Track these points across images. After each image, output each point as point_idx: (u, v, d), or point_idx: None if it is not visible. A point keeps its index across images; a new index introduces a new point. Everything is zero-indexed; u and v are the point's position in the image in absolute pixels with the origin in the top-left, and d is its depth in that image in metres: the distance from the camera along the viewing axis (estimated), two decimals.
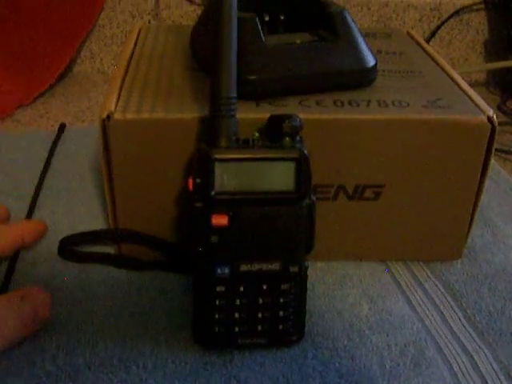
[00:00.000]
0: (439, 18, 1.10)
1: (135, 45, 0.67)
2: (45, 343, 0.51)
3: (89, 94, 1.02)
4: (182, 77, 0.59)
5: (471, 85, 0.60)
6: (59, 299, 0.55)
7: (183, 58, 0.64)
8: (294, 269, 0.48)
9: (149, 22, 1.08)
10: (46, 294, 0.51)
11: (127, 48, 0.65)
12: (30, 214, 0.67)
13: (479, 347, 0.53)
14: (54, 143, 0.81)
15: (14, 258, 0.58)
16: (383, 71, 0.61)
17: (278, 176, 0.46)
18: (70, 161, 0.78)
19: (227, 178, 0.46)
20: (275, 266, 0.48)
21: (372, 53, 0.58)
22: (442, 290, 0.59)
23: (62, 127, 0.85)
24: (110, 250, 0.61)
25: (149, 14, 1.07)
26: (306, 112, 0.53)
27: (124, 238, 0.59)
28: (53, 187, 0.72)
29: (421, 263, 0.62)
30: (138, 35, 0.70)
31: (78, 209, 0.68)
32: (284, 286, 0.49)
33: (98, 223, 0.65)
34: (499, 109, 1.01)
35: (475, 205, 0.58)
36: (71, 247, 0.60)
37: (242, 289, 0.48)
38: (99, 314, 0.54)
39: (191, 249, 0.48)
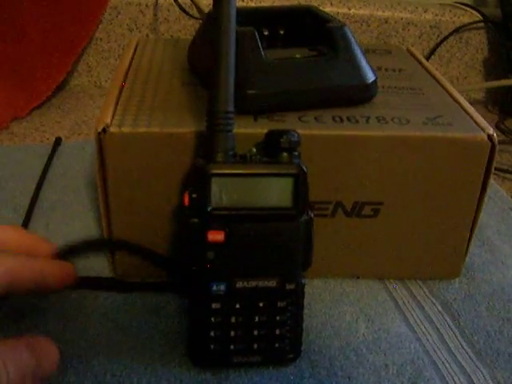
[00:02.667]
0: (439, 35, 1.10)
1: (132, 58, 0.66)
2: None
3: (85, 107, 1.02)
4: (179, 91, 0.59)
5: (470, 103, 0.60)
6: (52, 316, 0.54)
7: (181, 71, 0.63)
8: (290, 286, 0.48)
9: (147, 36, 1.08)
10: (55, 347, 0.44)
11: (124, 61, 0.65)
12: (25, 226, 0.66)
13: (477, 367, 0.52)
14: (50, 156, 0.81)
15: None
16: (383, 87, 0.61)
17: (276, 192, 0.46)
18: (66, 174, 0.78)
19: (224, 193, 0.45)
20: (272, 283, 0.47)
21: (372, 69, 0.58)
22: (440, 309, 0.59)
23: (57, 140, 0.85)
24: (102, 261, 0.61)
25: (147, 27, 1.07)
26: (305, 128, 0.52)
27: (117, 247, 0.59)
28: (48, 200, 0.71)
29: (419, 282, 0.62)
30: (136, 48, 0.70)
31: (72, 222, 0.68)
32: (280, 304, 0.48)
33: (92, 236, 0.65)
34: (498, 127, 1.01)
35: (474, 223, 0.58)
36: None
37: (238, 306, 0.48)
38: (92, 330, 0.53)
39: (187, 265, 0.47)
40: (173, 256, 0.58)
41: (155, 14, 1.06)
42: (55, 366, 0.44)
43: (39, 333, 0.52)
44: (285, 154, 0.46)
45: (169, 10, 1.06)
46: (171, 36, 1.08)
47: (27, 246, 0.50)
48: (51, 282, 0.48)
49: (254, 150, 0.47)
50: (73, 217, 0.68)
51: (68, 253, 0.55)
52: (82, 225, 0.67)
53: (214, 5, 0.45)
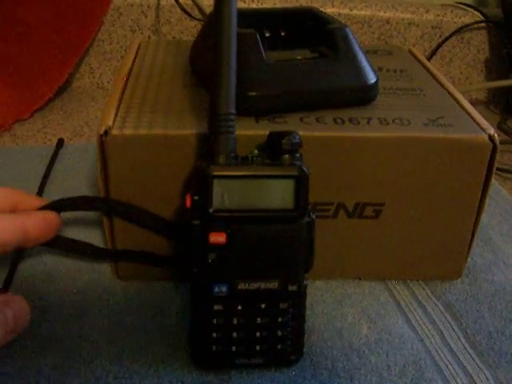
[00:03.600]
0: (440, 36, 1.10)
1: (134, 60, 0.67)
2: (40, 363, 0.50)
3: (87, 109, 1.02)
4: (180, 93, 0.59)
5: (472, 103, 0.60)
6: (55, 317, 0.55)
7: (182, 73, 0.64)
8: (292, 287, 0.48)
9: (149, 38, 1.08)
10: (26, 304, 0.49)
11: (126, 63, 0.65)
12: None
13: (479, 368, 0.52)
14: (52, 158, 0.81)
15: (16, 257, 0.58)
16: (384, 89, 0.61)
17: (277, 194, 0.46)
18: (68, 176, 0.78)
19: (225, 195, 0.45)
20: (274, 285, 0.48)
21: (373, 70, 0.58)
22: (442, 310, 0.59)
23: (60, 142, 0.85)
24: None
25: (149, 29, 1.07)
26: (307, 129, 0.52)
27: (121, 256, 0.59)
28: None
29: (421, 282, 0.62)
30: (138, 50, 0.70)
31: (75, 224, 0.67)
32: (282, 305, 0.48)
33: (95, 239, 0.64)
34: (499, 127, 1.01)
35: (476, 224, 0.58)
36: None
37: (239, 307, 0.48)
38: (95, 332, 0.53)
39: (188, 267, 0.47)
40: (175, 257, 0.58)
41: (157, 16, 1.06)
42: (27, 321, 0.49)
43: (41, 333, 0.52)
44: (286, 156, 0.46)
45: (171, 12, 1.06)
46: (173, 37, 1.08)
47: (13, 202, 0.53)
48: (34, 235, 0.51)
49: (256, 151, 0.47)
50: (75, 219, 0.68)
51: (58, 207, 0.55)
52: (84, 227, 0.67)
53: (214, 6, 0.45)
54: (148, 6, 1.05)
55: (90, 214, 0.68)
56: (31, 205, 0.54)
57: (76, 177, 0.77)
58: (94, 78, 1.12)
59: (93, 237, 0.64)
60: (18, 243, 0.49)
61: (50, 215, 0.53)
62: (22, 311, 0.49)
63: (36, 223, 0.51)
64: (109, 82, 1.12)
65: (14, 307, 0.48)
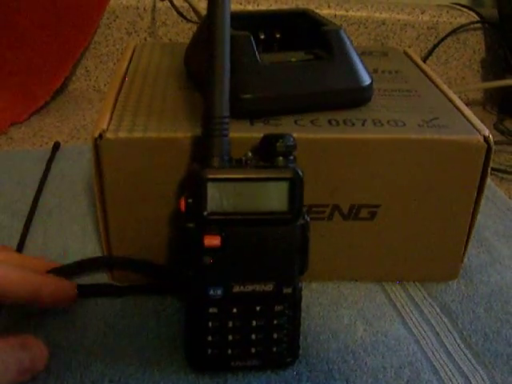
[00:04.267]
0: (436, 36, 1.11)
1: (129, 63, 0.66)
2: None
3: (84, 111, 1.02)
4: (175, 96, 0.59)
5: (468, 104, 0.60)
6: (50, 321, 0.55)
7: (178, 76, 0.63)
8: (287, 290, 0.48)
9: (145, 40, 1.08)
10: (44, 346, 0.49)
11: (121, 66, 0.65)
12: (24, 232, 0.66)
13: (475, 369, 0.52)
14: (49, 161, 0.81)
15: None
16: (379, 90, 0.61)
17: (272, 196, 0.46)
18: (65, 179, 0.78)
19: (220, 198, 0.45)
20: (268, 288, 0.48)
21: (368, 72, 0.58)
22: (438, 311, 0.59)
23: (56, 145, 0.85)
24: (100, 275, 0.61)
25: (145, 31, 1.07)
26: (301, 131, 0.52)
27: (115, 264, 0.59)
28: (46, 205, 0.71)
29: (417, 284, 0.62)
30: (133, 53, 0.70)
31: (71, 227, 0.68)
32: (277, 308, 0.48)
33: (91, 242, 0.65)
34: (496, 128, 1.01)
35: (471, 225, 0.58)
36: None
37: (235, 310, 0.48)
38: (90, 335, 0.53)
39: (183, 270, 0.47)
40: (170, 263, 0.58)
41: (153, 18, 1.06)
42: (45, 364, 0.48)
43: (37, 338, 0.52)
44: (280, 159, 0.46)
45: (167, 14, 1.06)
46: (169, 39, 1.08)
47: (26, 264, 0.52)
48: (47, 296, 0.50)
49: (250, 154, 0.47)
50: (71, 222, 0.68)
51: (66, 271, 0.56)
52: (80, 230, 0.67)
53: (208, 9, 0.45)
54: (144, 9, 1.06)
55: (87, 225, 0.68)
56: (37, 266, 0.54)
57: (73, 179, 0.77)
58: (90, 80, 1.12)
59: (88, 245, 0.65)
60: (28, 296, 0.48)
61: (67, 283, 0.54)
62: (39, 354, 0.48)
63: (51, 285, 0.51)
64: (105, 84, 1.12)
65: (31, 350, 0.48)
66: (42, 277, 0.51)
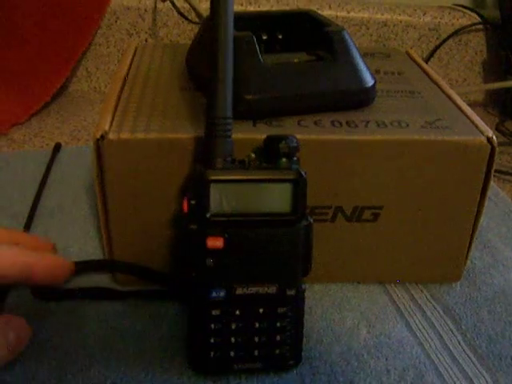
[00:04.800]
0: (438, 38, 1.10)
1: (131, 64, 0.66)
2: (36, 369, 0.50)
3: (85, 112, 1.02)
4: (177, 96, 0.59)
5: (470, 105, 0.60)
6: (51, 324, 0.54)
7: (179, 77, 0.63)
8: (290, 292, 0.48)
9: (146, 41, 1.08)
10: (27, 325, 0.48)
11: (122, 67, 0.65)
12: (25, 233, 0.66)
13: (479, 371, 0.52)
14: (49, 162, 0.80)
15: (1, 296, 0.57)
16: (382, 91, 0.61)
17: (275, 198, 0.45)
18: (65, 180, 0.77)
19: (223, 199, 0.45)
20: (271, 290, 0.47)
21: (371, 73, 0.58)
22: (442, 313, 0.58)
23: (57, 146, 0.85)
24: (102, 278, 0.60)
25: (146, 32, 1.07)
26: (304, 132, 0.52)
27: (117, 269, 0.59)
28: (47, 207, 0.71)
29: (420, 286, 0.62)
30: (134, 54, 0.69)
31: (72, 228, 0.67)
32: (281, 310, 0.48)
33: (92, 243, 0.64)
34: (497, 129, 1.01)
35: (474, 226, 0.58)
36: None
37: (237, 312, 0.48)
38: (92, 338, 0.53)
39: (186, 272, 0.47)
40: (172, 267, 0.58)
41: (154, 19, 1.06)
42: (27, 341, 0.48)
43: (38, 340, 0.52)
44: (284, 160, 0.46)
45: (168, 15, 1.06)
46: (170, 40, 1.08)
47: (15, 241, 0.51)
48: (40, 271, 0.48)
49: (253, 155, 0.47)
50: (72, 223, 0.68)
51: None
52: (81, 231, 0.67)
53: (210, 9, 0.45)
54: (145, 10, 1.05)
55: (88, 226, 0.68)
56: (35, 246, 0.53)
57: (73, 181, 0.77)
58: (91, 81, 1.12)
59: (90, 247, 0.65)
60: (19, 279, 0.47)
61: (60, 261, 0.52)
62: (23, 331, 0.48)
63: (43, 261, 0.49)
64: (106, 85, 1.12)
65: (15, 328, 0.48)
66: (33, 253, 0.49)
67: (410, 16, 1.09)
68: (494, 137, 0.53)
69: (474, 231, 0.58)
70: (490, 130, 0.54)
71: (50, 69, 1.02)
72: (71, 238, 0.66)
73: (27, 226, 0.67)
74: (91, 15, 1.04)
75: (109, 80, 1.11)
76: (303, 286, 0.49)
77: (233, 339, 0.48)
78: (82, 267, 0.58)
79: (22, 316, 0.49)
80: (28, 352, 0.51)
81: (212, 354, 0.48)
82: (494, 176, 0.84)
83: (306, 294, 0.49)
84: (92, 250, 0.64)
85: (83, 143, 0.90)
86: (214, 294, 0.47)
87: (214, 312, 0.47)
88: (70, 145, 0.89)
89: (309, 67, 0.56)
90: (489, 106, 1.16)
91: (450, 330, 0.56)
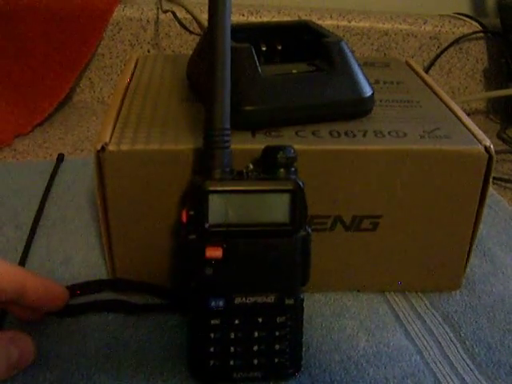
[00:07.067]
0: (439, 46, 1.11)
1: (132, 75, 0.67)
2: (38, 378, 0.50)
3: (88, 123, 1.02)
4: (178, 108, 0.59)
5: (471, 113, 0.60)
6: (54, 332, 0.55)
7: (180, 88, 0.64)
8: (289, 301, 0.48)
9: (148, 52, 1.08)
10: (31, 341, 0.50)
11: (124, 78, 0.65)
12: (28, 243, 0.66)
13: (478, 379, 0.52)
14: (53, 173, 0.81)
15: None
16: (380, 101, 0.61)
17: (273, 208, 0.46)
18: (69, 191, 0.78)
19: (221, 209, 0.45)
20: (270, 299, 0.48)
21: (369, 83, 0.58)
22: (441, 321, 0.58)
23: (60, 157, 0.85)
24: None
25: (148, 43, 1.08)
26: (302, 143, 0.52)
27: (118, 287, 0.60)
28: (50, 217, 0.72)
29: (419, 294, 0.62)
30: (136, 65, 0.70)
31: (74, 238, 0.68)
32: (280, 319, 0.48)
33: (94, 254, 0.65)
34: (499, 137, 1.01)
35: (473, 235, 0.58)
36: None
37: (236, 322, 0.48)
38: (93, 346, 0.53)
39: (185, 282, 0.48)
40: (172, 277, 0.58)
41: (156, 30, 1.07)
42: (31, 359, 0.49)
43: (40, 349, 0.52)
44: (281, 170, 0.46)
45: (170, 26, 1.06)
46: (172, 51, 1.09)
47: (22, 282, 0.50)
48: (32, 292, 0.49)
49: (251, 166, 0.47)
50: (75, 234, 0.69)
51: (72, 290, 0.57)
52: (84, 241, 0.67)
53: (208, 21, 0.45)
54: (147, 21, 1.06)
55: (91, 237, 0.68)
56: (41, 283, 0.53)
57: (76, 192, 0.78)
58: (94, 92, 1.12)
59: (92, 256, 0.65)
60: (13, 295, 0.48)
61: (55, 286, 0.53)
62: (27, 349, 0.49)
63: (36, 286, 0.50)
64: (109, 96, 1.12)
65: (19, 345, 0.48)
66: (27, 272, 0.50)
67: (411, 25, 1.09)
68: (492, 146, 0.54)
69: (472, 239, 0.58)
70: (487, 139, 0.55)
71: (53, 80, 1.02)
72: (74, 248, 0.66)
73: (31, 237, 0.67)
74: (94, 26, 1.04)
75: (112, 90, 1.12)
76: (302, 296, 0.49)
77: (232, 348, 0.48)
78: (83, 290, 0.59)
79: (25, 332, 0.49)
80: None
81: (211, 362, 0.49)
82: (495, 184, 0.84)
83: (305, 303, 0.49)
84: (94, 259, 0.64)
85: (86, 154, 0.91)
86: (213, 304, 0.47)
87: (214, 321, 0.48)
88: (73, 155, 0.90)
89: (307, 78, 0.56)
90: (490, 114, 1.16)
91: (449, 338, 0.57)
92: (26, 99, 1.01)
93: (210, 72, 0.46)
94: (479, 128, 0.57)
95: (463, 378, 0.52)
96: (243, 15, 1.07)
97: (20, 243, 0.66)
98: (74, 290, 0.58)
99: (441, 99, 0.64)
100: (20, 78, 1.02)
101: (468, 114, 0.60)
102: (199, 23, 1.04)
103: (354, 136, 0.54)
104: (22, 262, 0.63)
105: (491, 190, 0.55)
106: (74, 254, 0.65)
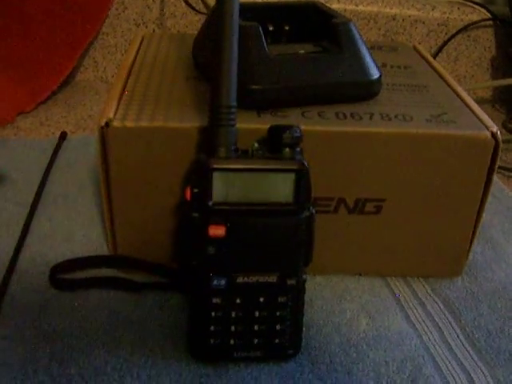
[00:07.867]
0: (446, 33, 1.10)
1: (137, 53, 0.66)
2: (38, 353, 0.50)
3: (91, 102, 1.02)
4: (183, 86, 0.59)
5: (477, 101, 0.60)
6: (54, 309, 0.55)
7: (185, 66, 0.63)
8: (291, 281, 0.48)
9: (153, 31, 1.08)
10: None
11: (129, 56, 0.65)
12: (28, 220, 0.66)
13: (477, 365, 0.52)
14: (55, 151, 0.81)
15: (4, 280, 0.57)
16: (387, 85, 0.61)
17: (277, 187, 0.46)
18: (71, 169, 0.78)
19: (225, 188, 0.45)
20: (272, 279, 0.48)
21: (377, 65, 0.58)
22: (442, 307, 0.58)
23: (63, 135, 0.85)
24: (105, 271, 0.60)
25: (153, 22, 1.07)
26: (308, 123, 0.52)
27: (120, 264, 0.60)
28: (52, 194, 0.72)
29: (421, 279, 0.62)
30: (141, 43, 0.70)
31: (76, 216, 0.68)
32: (281, 299, 0.48)
33: (96, 230, 0.65)
34: (504, 126, 1.01)
35: (477, 221, 0.58)
36: (63, 275, 0.58)
37: (238, 301, 0.48)
38: (94, 323, 0.53)
39: (187, 260, 0.47)
40: (174, 255, 0.58)
41: (162, 9, 1.06)
42: None
43: (41, 324, 0.52)
44: (287, 150, 0.46)
45: (175, 5, 1.06)
46: (178, 31, 1.08)
47: None
48: None
49: (257, 145, 0.47)
50: (76, 210, 0.68)
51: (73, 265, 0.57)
52: (85, 218, 0.67)
53: None
54: (153, 0, 1.05)
55: (93, 214, 0.68)
56: None
57: (79, 169, 0.77)
58: (97, 71, 1.12)
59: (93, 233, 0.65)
60: None
61: None
62: None
63: None
64: (113, 75, 1.12)
65: None
66: None
67: (419, 11, 1.09)
68: (499, 132, 0.53)
69: (476, 226, 0.58)
70: (494, 125, 0.54)
71: (57, 58, 1.02)
72: (75, 225, 0.66)
73: (31, 212, 0.67)
74: (99, 4, 1.04)
75: (115, 70, 1.11)
76: (304, 276, 0.49)
77: (233, 327, 0.48)
78: (84, 264, 0.59)
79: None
80: (31, 336, 0.51)
81: (212, 341, 0.49)
82: (499, 173, 0.84)
83: (307, 285, 0.49)
84: (96, 236, 0.64)
85: (89, 132, 0.90)
86: (214, 282, 0.47)
87: (215, 300, 0.48)
88: (76, 134, 0.89)
89: (314, 58, 0.56)
90: (496, 103, 1.16)
91: (450, 323, 0.57)
92: (30, 77, 1.00)
93: (217, 49, 0.45)
94: None
95: (462, 363, 0.52)
96: None
97: (21, 219, 0.66)
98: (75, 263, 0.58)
99: (448, 84, 0.63)
100: (23, 56, 1.02)
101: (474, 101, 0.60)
102: (205, 3, 1.03)
103: (361, 118, 0.54)
104: (23, 238, 0.63)
105: (495, 178, 0.55)
106: (76, 230, 0.65)
